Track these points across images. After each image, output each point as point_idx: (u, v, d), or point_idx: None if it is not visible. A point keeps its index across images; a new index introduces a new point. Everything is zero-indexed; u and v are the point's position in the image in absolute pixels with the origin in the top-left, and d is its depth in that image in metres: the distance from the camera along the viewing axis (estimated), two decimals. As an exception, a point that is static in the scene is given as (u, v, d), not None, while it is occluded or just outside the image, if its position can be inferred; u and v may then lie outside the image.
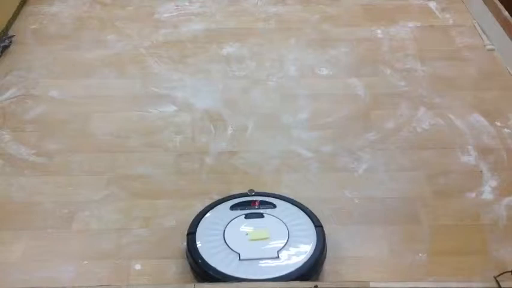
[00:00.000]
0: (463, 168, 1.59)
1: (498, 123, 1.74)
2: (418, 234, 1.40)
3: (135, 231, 1.41)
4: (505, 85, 1.92)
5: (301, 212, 1.37)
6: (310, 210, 1.38)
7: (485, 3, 2.21)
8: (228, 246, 1.28)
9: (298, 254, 1.26)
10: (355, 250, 1.37)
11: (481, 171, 1.58)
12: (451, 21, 2.27)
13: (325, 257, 1.30)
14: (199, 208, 1.42)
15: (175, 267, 1.33)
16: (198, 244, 1.29)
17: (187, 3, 2.40)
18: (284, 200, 1.41)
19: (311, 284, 1.26)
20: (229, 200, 1.41)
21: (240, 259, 1.25)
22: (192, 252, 1.28)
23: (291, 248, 1.28)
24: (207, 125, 1.75)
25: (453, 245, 1.38)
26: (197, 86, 1.91)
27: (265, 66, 2.01)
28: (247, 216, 1.35)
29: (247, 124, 1.75)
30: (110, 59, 2.05)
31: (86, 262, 1.34)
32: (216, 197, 1.46)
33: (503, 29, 2.05)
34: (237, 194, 1.43)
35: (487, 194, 1.51)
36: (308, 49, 2.10)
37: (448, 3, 2.38)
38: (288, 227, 1.32)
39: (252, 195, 1.41)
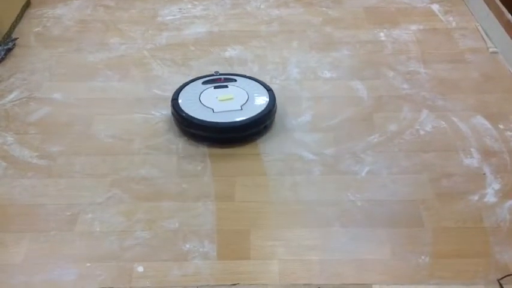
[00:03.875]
0: (466, 170, 1.59)
1: (501, 126, 1.74)
2: (420, 237, 1.40)
3: (138, 234, 1.42)
4: (508, 88, 1.91)
5: (256, 82, 1.82)
6: (262, 81, 1.83)
7: (488, 5, 2.21)
8: (203, 104, 1.71)
9: (256, 107, 1.70)
10: (358, 253, 1.37)
11: (484, 174, 1.58)
12: (454, 24, 2.27)
13: (276, 110, 1.73)
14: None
15: (177, 269, 1.33)
16: (181, 104, 1.71)
17: (190, 6, 2.40)
18: (242, 76, 1.85)
19: (314, 286, 1.27)
20: (201, 78, 1.84)
21: (213, 112, 1.67)
22: (178, 111, 1.69)
23: (250, 104, 1.71)
24: (210, 127, 1.75)
25: (456, 248, 1.38)
26: (200, 89, 1.92)
27: (268, 69, 2.01)
28: (215, 87, 1.79)
29: (250, 126, 1.75)
30: (113, 61, 2.05)
31: (88, 264, 1.34)
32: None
33: (506, 31, 2.04)
34: (206, 75, 1.86)
35: (490, 197, 1.51)
36: (311, 52, 2.11)
37: (451, 5, 2.38)
38: (247, 92, 1.76)
39: (218, 75, 1.85)
